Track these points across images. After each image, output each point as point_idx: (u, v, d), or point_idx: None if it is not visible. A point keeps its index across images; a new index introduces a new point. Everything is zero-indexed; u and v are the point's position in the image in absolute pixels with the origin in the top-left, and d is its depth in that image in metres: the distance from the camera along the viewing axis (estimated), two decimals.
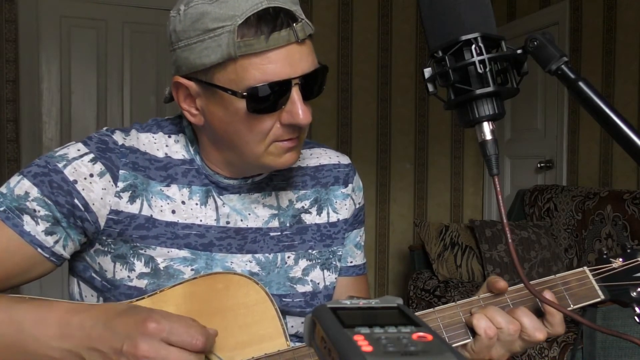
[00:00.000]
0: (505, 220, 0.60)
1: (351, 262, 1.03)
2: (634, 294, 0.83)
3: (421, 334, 0.36)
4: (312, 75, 0.81)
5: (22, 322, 0.75)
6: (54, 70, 3.62)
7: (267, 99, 0.78)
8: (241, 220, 0.92)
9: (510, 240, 0.59)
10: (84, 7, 3.63)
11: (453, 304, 0.81)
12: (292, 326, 0.93)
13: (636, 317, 0.83)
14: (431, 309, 0.81)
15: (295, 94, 0.80)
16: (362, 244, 1.05)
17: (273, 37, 0.77)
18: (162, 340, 0.69)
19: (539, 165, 3.87)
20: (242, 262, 0.91)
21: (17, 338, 0.74)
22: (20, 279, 0.85)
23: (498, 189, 0.61)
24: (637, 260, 0.85)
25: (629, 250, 0.87)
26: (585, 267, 0.86)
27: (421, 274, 3.47)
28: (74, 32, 3.65)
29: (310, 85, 0.82)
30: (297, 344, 0.82)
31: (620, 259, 0.86)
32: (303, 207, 0.98)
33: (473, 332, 0.79)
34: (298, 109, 0.80)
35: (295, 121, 0.81)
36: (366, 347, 0.34)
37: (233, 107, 0.80)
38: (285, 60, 0.78)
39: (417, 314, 0.76)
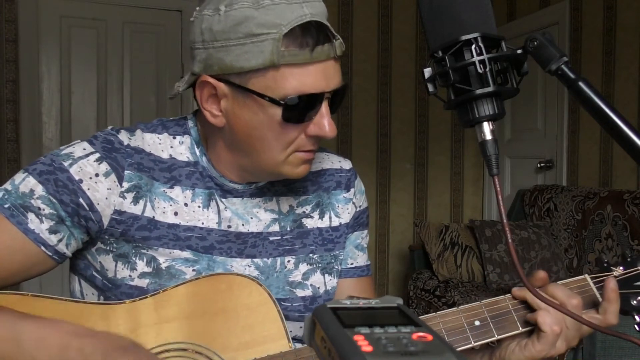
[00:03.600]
0: (505, 220, 0.60)
1: (351, 263, 1.03)
2: (634, 302, 0.84)
3: (421, 334, 0.36)
4: (339, 91, 0.84)
5: (22, 340, 0.74)
6: (54, 70, 3.62)
7: (300, 109, 0.80)
8: (242, 224, 0.92)
9: (510, 240, 0.59)
10: (84, 7, 3.63)
11: (455, 309, 0.82)
12: (291, 331, 0.93)
13: (636, 326, 0.83)
14: (433, 314, 0.81)
15: (324, 107, 0.83)
16: (365, 245, 1.05)
17: (317, 51, 0.79)
18: None
19: (539, 165, 3.87)
20: (242, 267, 0.91)
21: (14, 356, 0.74)
22: (22, 276, 0.85)
23: (498, 189, 0.61)
24: (638, 269, 0.86)
25: (629, 259, 0.87)
26: (586, 275, 0.87)
27: (421, 274, 3.47)
28: (74, 32, 3.65)
29: (334, 100, 0.85)
30: (299, 346, 0.82)
31: (621, 268, 0.87)
32: (304, 212, 0.98)
33: (527, 325, 0.81)
34: (326, 122, 0.83)
35: (322, 133, 0.83)
36: (366, 347, 0.34)
37: (265, 113, 0.81)
38: (322, 73, 0.80)
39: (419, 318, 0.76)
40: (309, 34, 0.78)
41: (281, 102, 0.79)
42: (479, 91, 0.60)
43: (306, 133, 0.83)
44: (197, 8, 0.84)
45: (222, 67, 0.80)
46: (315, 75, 0.80)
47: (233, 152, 0.88)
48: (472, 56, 0.60)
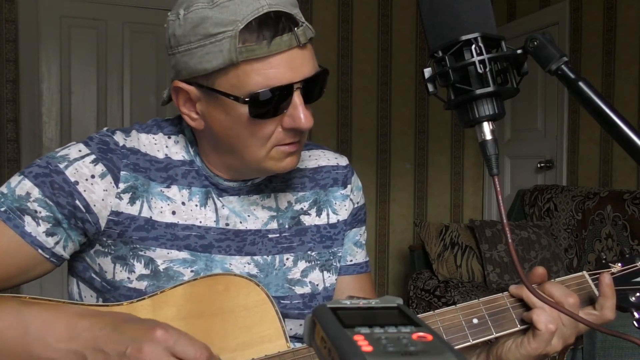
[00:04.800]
0: (505, 220, 0.60)
1: (351, 260, 1.03)
2: (633, 298, 0.84)
3: (421, 334, 0.36)
4: (313, 79, 0.81)
5: (29, 325, 0.75)
6: (54, 70, 3.62)
7: (269, 104, 0.78)
8: (240, 222, 0.92)
9: (510, 240, 0.59)
10: (84, 7, 3.63)
11: (453, 307, 0.82)
12: (291, 328, 0.93)
13: (635, 322, 0.83)
14: (431, 312, 0.81)
15: (297, 98, 0.80)
16: (363, 242, 1.05)
17: (275, 42, 0.76)
18: (167, 349, 0.69)
19: (539, 165, 3.87)
20: (241, 264, 0.91)
21: (23, 341, 0.74)
22: (19, 279, 0.85)
23: (498, 189, 0.61)
24: (636, 266, 0.86)
25: (627, 256, 0.87)
26: (584, 272, 0.87)
27: (421, 274, 3.47)
28: (74, 32, 3.65)
29: (311, 88, 0.82)
30: (297, 346, 0.82)
31: (619, 264, 0.86)
32: (302, 208, 0.97)
33: (524, 323, 0.81)
34: (300, 113, 0.80)
35: (297, 125, 0.81)
36: (366, 347, 0.34)
37: (235, 112, 0.80)
38: (286, 64, 0.78)
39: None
40: (265, 27, 0.76)
41: (245, 99, 0.78)
42: (479, 91, 0.60)
43: (282, 126, 0.82)
44: (169, 14, 0.84)
45: (189, 71, 0.80)
46: (279, 68, 0.77)
47: (218, 152, 0.88)
48: (472, 56, 0.60)
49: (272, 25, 0.76)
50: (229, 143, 0.84)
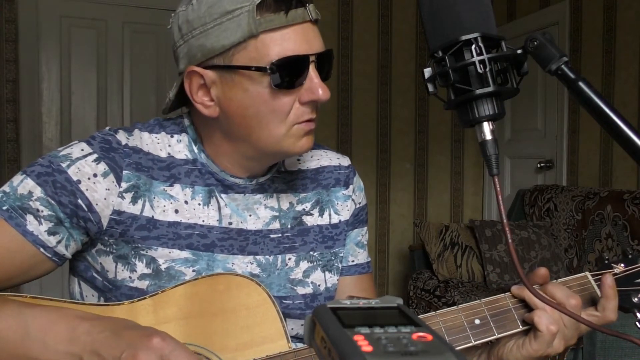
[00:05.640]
0: (505, 220, 0.60)
1: (352, 260, 1.03)
2: (636, 299, 0.83)
3: (421, 334, 0.36)
4: (325, 55, 0.85)
5: (29, 326, 0.75)
6: (54, 70, 3.62)
7: (289, 74, 0.81)
8: (241, 222, 0.92)
9: (510, 240, 0.59)
10: (84, 7, 3.63)
11: (455, 307, 0.82)
12: (292, 328, 0.93)
13: (637, 323, 0.82)
14: (433, 312, 0.81)
15: (312, 71, 0.83)
16: (365, 243, 1.05)
17: (291, 14, 0.80)
18: (161, 358, 0.69)
19: (539, 165, 3.87)
20: (243, 264, 0.91)
21: (22, 342, 0.74)
22: (21, 279, 0.85)
23: (498, 189, 0.61)
24: (638, 266, 0.85)
25: (630, 256, 0.87)
26: (587, 272, 0.86)
27: (421, 274, 3.47)
28: (74, 32, 3.65)
29: (322, 66, 0.85)
30: (299, 346, 0.82)
31: (622, 265, 0.86)
32: (304, 209, 0.98)
33: (526, 324, 0.81)
34: (317, 85, 0.82)
35: (316, 97, 0.83)
36: (366, 347, 0.34)
37: (254, 87, 0.81)
38: (302, 37, 0.81)
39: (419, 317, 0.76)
40: (280, 0, 0.80)
41: (267, 68, 0.80)
42: (479, 91, 0.60)
43: (300, 101, 0.83)
44: (172, 14, 0.87)
45: (204, 52, 0.82)
46: (295, 39, 0.81)
47: (232, 140, 0.88)
48: (472, 56, 0.60)
49: (286, 0, 0.80)
50: (246, 126, 0.85)
